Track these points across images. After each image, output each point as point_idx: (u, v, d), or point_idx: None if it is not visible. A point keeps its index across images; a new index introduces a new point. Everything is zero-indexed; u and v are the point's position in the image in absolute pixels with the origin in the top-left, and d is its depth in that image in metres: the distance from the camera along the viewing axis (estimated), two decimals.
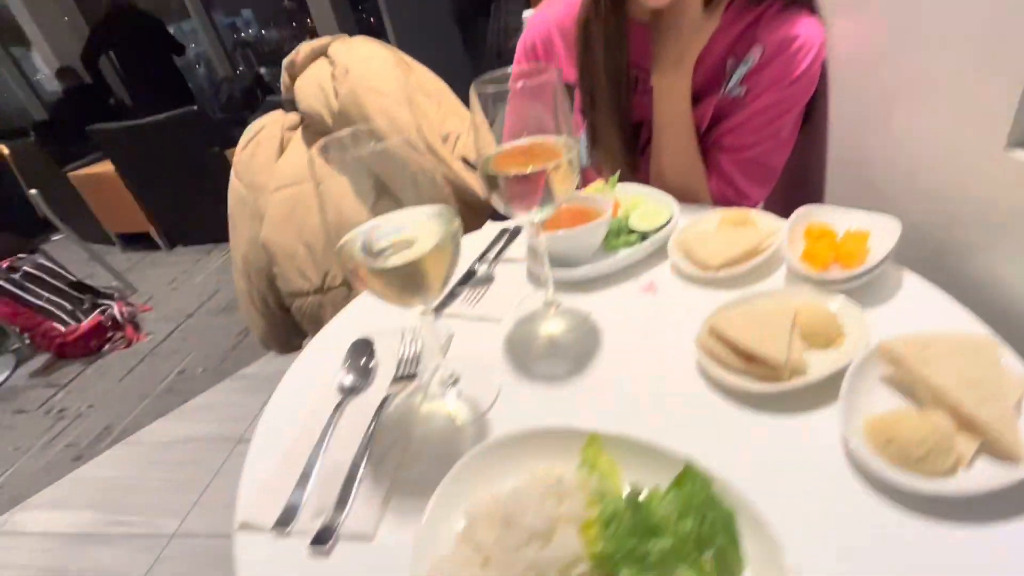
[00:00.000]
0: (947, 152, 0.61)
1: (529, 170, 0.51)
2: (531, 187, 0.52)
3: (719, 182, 0.93)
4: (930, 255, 0.65)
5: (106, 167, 3.28)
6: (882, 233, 0.61)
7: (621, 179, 0.90)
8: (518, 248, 0.84)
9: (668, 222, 0.75)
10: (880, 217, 0.63)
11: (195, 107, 3.08)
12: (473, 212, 1.13)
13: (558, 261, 0.73)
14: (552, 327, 0.65)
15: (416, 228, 0.46)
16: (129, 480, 1.75)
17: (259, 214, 1.05)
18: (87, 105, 4.40)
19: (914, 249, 0.68)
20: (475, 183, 1.16)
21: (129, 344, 2.54)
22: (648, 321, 0.63)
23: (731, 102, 0.89)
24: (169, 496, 1.63)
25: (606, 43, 0.89)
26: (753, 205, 0.92)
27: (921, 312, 0.55)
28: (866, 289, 0.58)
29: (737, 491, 0.38)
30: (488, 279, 0.78)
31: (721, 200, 0.92)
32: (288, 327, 1.17)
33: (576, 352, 0.60)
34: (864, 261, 0.59)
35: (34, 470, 1.87)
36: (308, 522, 0.46)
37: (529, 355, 0.62)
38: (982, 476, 0.38)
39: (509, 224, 0.91)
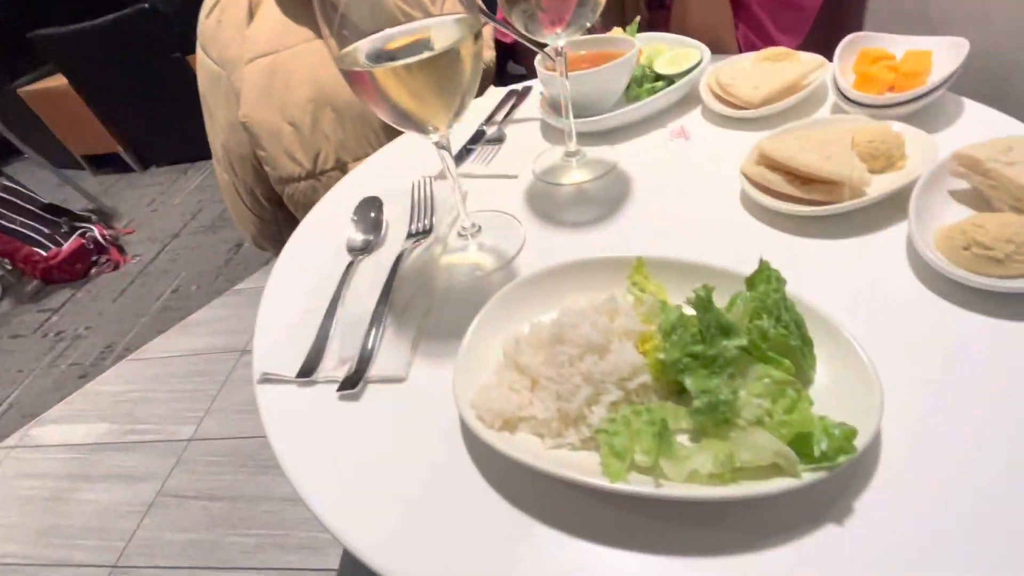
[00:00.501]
0: None
1: None
2: None
3: (747, 30, 0.83)
4: (993, 82, 0.59)
5: (60, 81, 3.00)
6: (946, 53, 0.54)
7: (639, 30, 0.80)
8: (529, 109, 0.76)
9: (697, 65, 0.67)
10: (941, 38, 0.55)
11: (146, 5, 2.76)
12: None
13: (578, 110, 0.65)
14: (576, 176, 0.59)
15: (432, 31, 0.39)
16: (138, 393, 1.76)
17: (235, 92, 0.95)
18: (27, 10, 3.94)
19: (976, 77, 0.62)
20: None
21: (116, 267, 2.46)
22: (682, 165, 0.58)
23: None
24: (181, 405, 1.64)
25: None
26: None
27: (988, 136, 0.50)
28: (926, 115, 0.53)
29: (803, 297, 0.34)
30: (499, 139, 0.71)
31: (748, 51, 0.83)
32: (281, 221, 1.10)
33: (605, 198, 0.56)
34: (926, 83, 0.53)
35: (42, 389, 1.88)
36: (333, 370, 0.43)
37: (553, 205, 0.57)
38: None
39: (516, 86, 0.82)
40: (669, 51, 0.72)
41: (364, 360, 0.43)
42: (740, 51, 0.83)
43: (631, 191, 0.56)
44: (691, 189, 0.54)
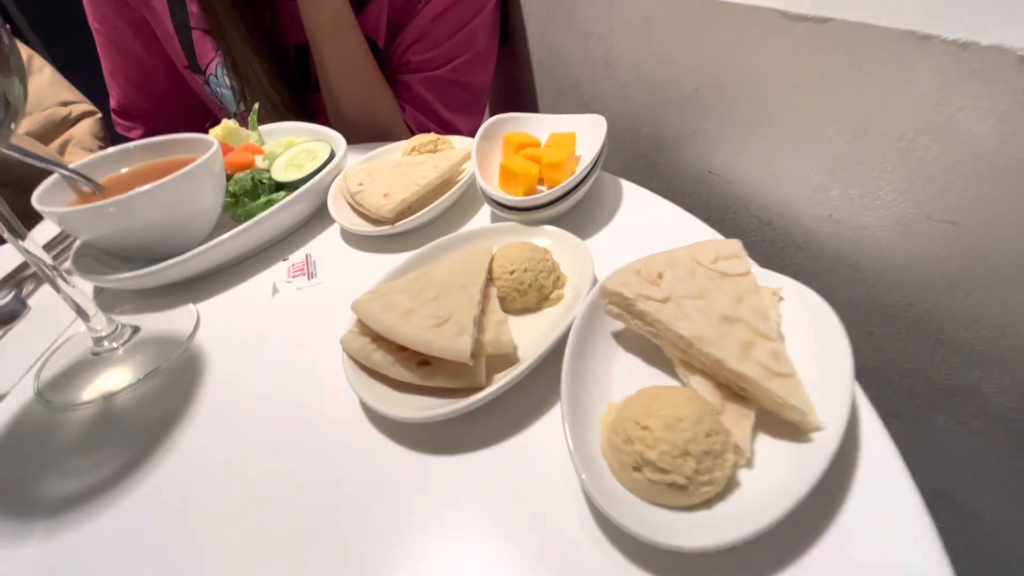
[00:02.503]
0: (644, 19, 0.48)
1: None
2: None
3: (415, 111, 0.71)
4: (645, 156, 0.54)
5: None
6: (588, 131, 0.46)
7: (271, 118, 0.62)
8: None
9: (326, 164, 0.50)
10: (583, 117, 0.48)
11: None
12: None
13: (146, 251, 0.42)
14: (108, 382, 0.34)
15: None
16: None
17: None
18: None
19: (627, 151, 0.57)
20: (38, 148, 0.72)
21: None
22: (291, 328, 0.37)
23: (406, 4, 0.67)
24: None
25: None
26: None
27: (647, 226, 0.41)
28: (582, 210, 0.43)
29: None
30: (8, 315, 0.42)
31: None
32: None
33: (140, 425, 0.31)
34: (574, 171, 0.43)
35: None
36: None
37: (49, 456, 0.30)
38: (776, 474, 0.22)
39: None
40: (297, 148, 0.54)
41: None
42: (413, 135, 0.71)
43: (197, 395, 0.33)
44: (296, 370, 0.33)
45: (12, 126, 0.27)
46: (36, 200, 0.39)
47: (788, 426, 0.24)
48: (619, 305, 0.28)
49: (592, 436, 0.25)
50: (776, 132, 0.37)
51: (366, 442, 0.28)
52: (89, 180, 0.42)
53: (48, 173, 0.41)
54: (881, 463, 0.23)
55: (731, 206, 0.44)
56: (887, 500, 0.22)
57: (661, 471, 0.21)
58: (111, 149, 0.45)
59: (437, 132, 0.70)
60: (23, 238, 0.32)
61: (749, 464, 0.23)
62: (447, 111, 0.72)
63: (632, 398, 0.24)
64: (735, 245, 0.30)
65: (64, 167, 0.42)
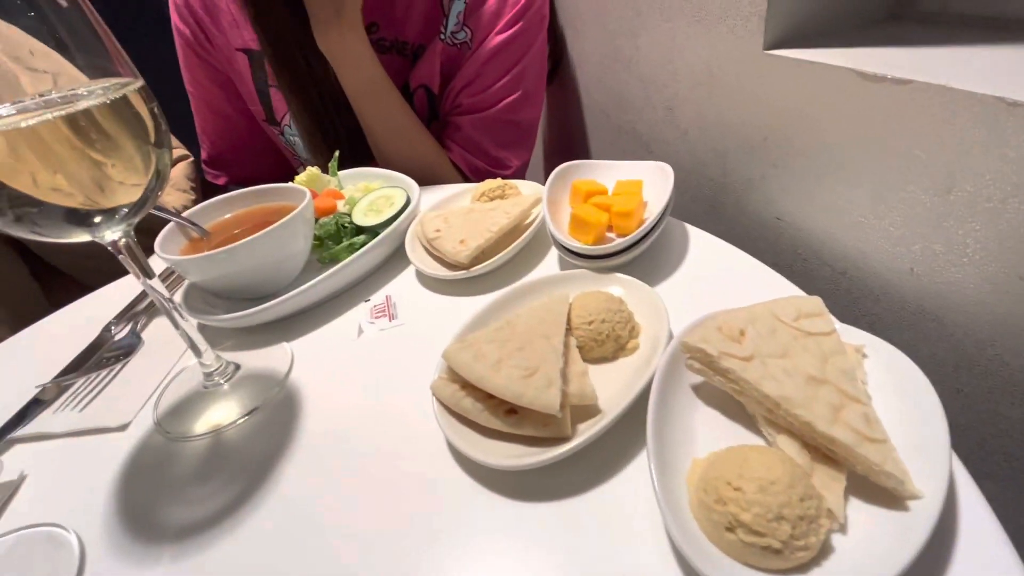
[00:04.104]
0: (708, 71, 0.50)
1: None
2: None
3: (466, 152, 0.74)
4: (707, 199, 0.54)
5: None
6: (654, 178, 0.47)
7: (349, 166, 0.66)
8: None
9: (403, 210, 0.53)
10: (648, 164, 0.49)
11: None
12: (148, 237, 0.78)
13: (244, 291, 0.46)
14: (216, 416, 0.38)
15: None
16: None
17: None
18: None
19: (690, 194, 0.58)
20: None
21: None
22: (377, 365, 0.40)
23: (458, 50, 0.71)
24: None
25: None
26: (513, 176, 0.75)
27: (716, 272, 0.42)
28: (650, 256, 0.44)
29: None
30: (127, 349, 0.47)
31: (475, 175, 0.74)
32: None
33: (247, 459, 0.34)
34: (643, 219, 0.44)
35: None
36: None
37: (166, 485, 0.34)
38: (872, 542, 0.22)
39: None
40: (375, 193, 0.58)
41: None
42: (465, 177, 0.74)
43: (295, 432, 0.36)
44: (383, 416, 0.36)
45: (162, 189, 0.32)
46: (158, 248, 0.44)
47: (881, 491, 0.24)
48: (701, 361, 0.29)
49: (680, 491, 0.25)
50: (851, 184, 0.37)
51: (453, 483, 0.30)
52: (198, 227, 0.47)
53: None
54: (980, 531, 0.23)
55: (801, 253, 0.44)
56: (989, 571, 0.22)
57: (756, 534, 0.22)
58: (216, 198, 0.50)
59: (485, 168, 0.74)
60: (151, 278, 0.36)
61: (843, 529, 0.23)
62: (497, 148, 0.75)
63: (720, 456, 0.25)
64: (816, 303, 0.30)
65: (178, 217, 0.47)
